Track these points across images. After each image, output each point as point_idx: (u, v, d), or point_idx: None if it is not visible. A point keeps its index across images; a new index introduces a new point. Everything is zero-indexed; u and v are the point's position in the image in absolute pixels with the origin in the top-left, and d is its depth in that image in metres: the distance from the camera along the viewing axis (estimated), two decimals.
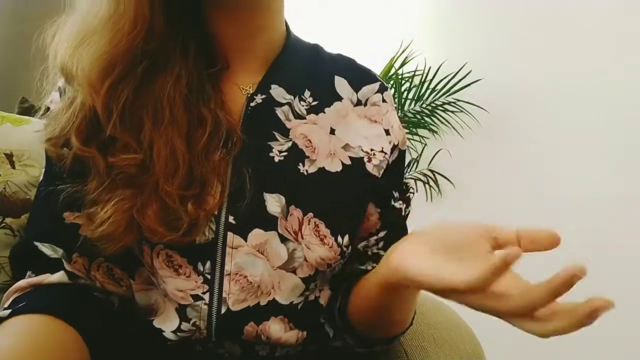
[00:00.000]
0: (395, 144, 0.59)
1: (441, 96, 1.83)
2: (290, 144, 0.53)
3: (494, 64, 1.77)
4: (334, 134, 0.55)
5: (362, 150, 0.56)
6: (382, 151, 0.57)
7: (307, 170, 0.53)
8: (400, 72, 1.85)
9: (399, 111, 1.89)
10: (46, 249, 0.49)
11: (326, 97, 0.56)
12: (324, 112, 0.55)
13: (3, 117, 0.72)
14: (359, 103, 0.58)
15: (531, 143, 1.70)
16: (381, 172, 0.57)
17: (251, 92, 0.53)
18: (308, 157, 0.53)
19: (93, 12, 0.47)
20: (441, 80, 1.81)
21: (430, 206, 1.90)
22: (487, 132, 1.78)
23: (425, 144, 1.89)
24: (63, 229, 0.49)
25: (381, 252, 0.58)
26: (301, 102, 0.55)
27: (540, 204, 1.66)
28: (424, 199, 1.90)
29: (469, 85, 1.77)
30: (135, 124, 0.46)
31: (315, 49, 0.61)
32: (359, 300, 0.53)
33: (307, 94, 0.55)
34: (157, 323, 0.51)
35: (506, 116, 1.75)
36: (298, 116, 0.54)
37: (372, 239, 0.59)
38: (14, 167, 0.68)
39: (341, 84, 0.58)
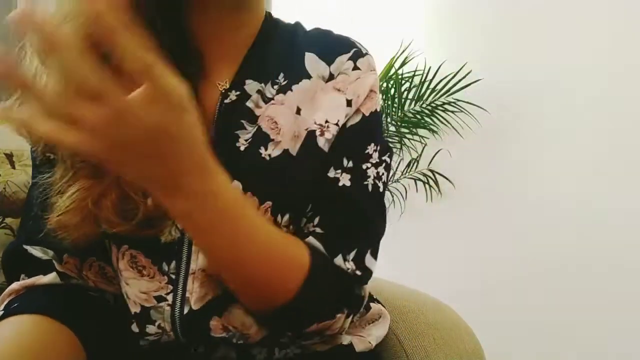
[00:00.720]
0: (357, 109, 0.54)
1: (441, 96, 1.83)
2: (255, 129, 0.50)
3: (494, 64, 1.77)
4: (299, 114, 0.52)
5: (315, 123, 0.52)
6: (336, 124, 0.52)
7: (269, 155, 0.50)
8: (400, 72, 1.85)
9: (399, 111, 1.89)
10: (36, 251, 0.49)
11: (295, 76, 0.53)
12: (291, 90, 0.52)
13: None
14: (331, 77, 0.54)
15: (531, 143, 1.70)
16: (329, 145, 0.52)
17: (226, 87, 0.51)
18: (273, 139, 0.50)
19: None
20: (441, 80, 1.82)
21: (430, 206, 1.90)
22: (487, 132, 1.78)
23: (425, 144, 1.89)
24: (51, 231, 0.48)
25: (317, 230, 0.50)
26: (274, 86, 0.52)
27: (540, 203, 1.66)
28: (424, 199, 1.90)
29: (469, 85, 1.77)
30: None
31: (293, 30, 0.58)
32: None
33: (280, 76, 0.53)
34: (134, 327, 0.50)
35: (506, 116, 1.75)
36: (268, 100, 0.52)
37: (303, 217, 0.53)
38: (14, 167, 0.68)
39: (311, 60, 0.54)
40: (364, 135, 0.54)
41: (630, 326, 1.46)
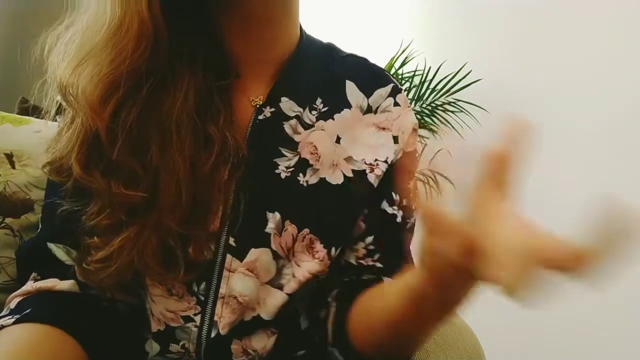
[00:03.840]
0: (401, 148, 0.55)
1: (441, 96, 1.83)
2: (297, 158, 0.51)
3: (494, 64, 1.77)
4: (339, 142, 0.53)
5: (365, 162, 0.53)
6: (385, 161, 0.54)
7: (307, 182, 0.50)
8: (400, 72, 1.85)
9: None
10: (60, 251, 0.47)
11: (336, 104, 0.54)
12: (333, 119, 0.53)
13: (3, 117, 0.72)
14: (369, 110, 0.55)
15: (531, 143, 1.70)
16: (379, 180, 0.53)
17: (260, 103, 0.51)
18: (312, 165, 0.51)
19: (94, 29, 0.43)
20: (441, 80, 1.82)
21: None
22: (487, 132, 1.78)
23: (425, 144, 1.89)
24: (78, 230, 0.46)
25: (377, 265, 0.53)
26: (312, 111, 0.52)
27: (539, 203, 1.66)
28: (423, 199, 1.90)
29: (469, 85, 1.77)
30: (141, 148, 0.43)
31: (328, 50, 0.58)
32: (368, 314, 0.48)
33: (318, 101, 0.53)
34: (154, 344, 0.49)
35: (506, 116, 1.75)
36: (307, 126, 0.52)
37: (361, 248, 0.54)
38: (14, 167, 0.68)
39: (351, 90, 0.55)
40: (406, 171, 0.56)
41: (632, 326, 1.46)
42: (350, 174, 0.52)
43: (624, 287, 1.48)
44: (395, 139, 0.55)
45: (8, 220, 0.66)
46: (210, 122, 0.46)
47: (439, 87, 1.82)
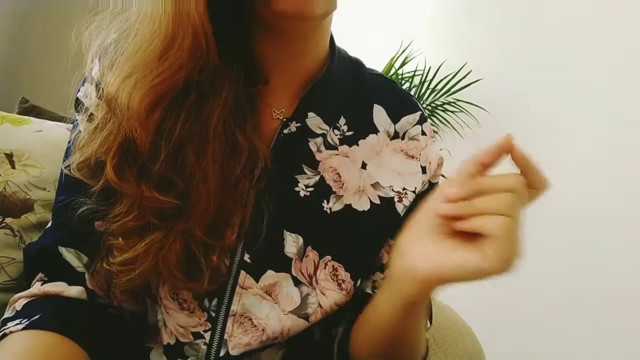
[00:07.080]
0: (428, 179, 0.55)
1: (441, 96, 1.83)
2: (317, 178, 0.50)
3: (494, 64, 1.77)
4: (365, 168, 0.52)
5: (392, 190, 0.52)
6: (414, 191, 0.53)
7: (330, 208, 0.49)
8: (400, 72, 1.85)
9: None
10: (71, 256, 0.46)
11: (362, 128, 0.53)
12: (358, 145, 0.52)
13: (3, 117, 0.72)
14: (396, 136, 0.54)
15: (531, 143, 1.70)
16: (405, 210, 0.53)
17: (286, 117, 0.50)
18: (335, 192, 0.50)
19: (144, 38, 0.42)
20: (441, 80, 1.82)
21: None
22: (487, 132, 1.79)
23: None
24: (92, 235, 0.45)
25: None
26: (335, 130, 0.51)
27: (539, 203, 1.66)
28: None
29: (469, 85, 1.77)
30: (178, 157, 0.43)
31: (356, 67, 0.57)
32: (366, 330, 0.48)
33: (342, 121, 0.52)
34: (161, 356, 0.48)
35: (506, 116, 1.75)
36: (330, 147, 0.51)
37: (380, 279, 0.54)
38: (14, 167, 0.68)
39: (379, 114, 0.54)
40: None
41: (631, 326, 1.46)
42: (377, 201, 0.51)
43: (623, 289, 1.48)
44: (424, 169, 0.54)
45: (8, 220, 0.66)
46: (238, 129, 0.45)
47: (439, 87, 1.82)
